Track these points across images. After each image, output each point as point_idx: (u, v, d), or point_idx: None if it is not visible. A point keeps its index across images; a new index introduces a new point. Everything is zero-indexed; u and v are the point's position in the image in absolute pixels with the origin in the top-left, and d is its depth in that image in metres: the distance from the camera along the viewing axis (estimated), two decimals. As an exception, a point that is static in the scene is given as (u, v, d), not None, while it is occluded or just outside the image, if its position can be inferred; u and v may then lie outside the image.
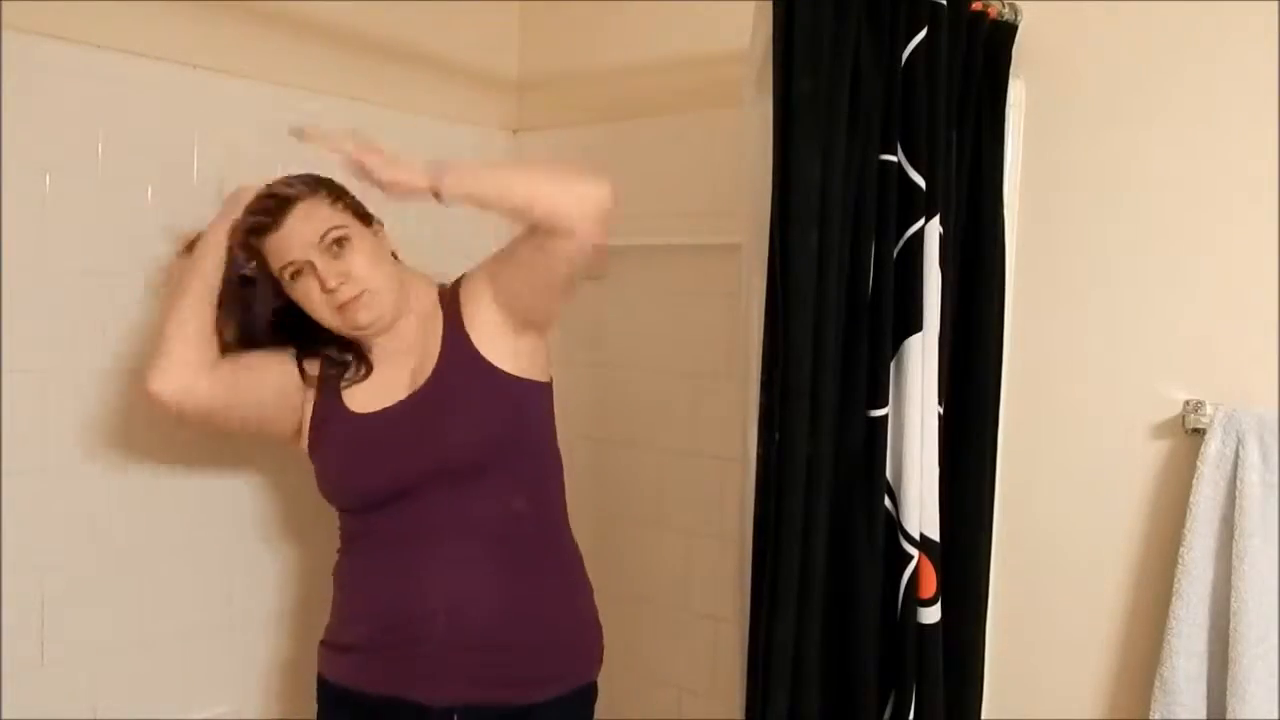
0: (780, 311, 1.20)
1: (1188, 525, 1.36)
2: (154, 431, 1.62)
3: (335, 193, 1.41)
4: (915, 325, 1.31)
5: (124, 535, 1.61)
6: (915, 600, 1.35)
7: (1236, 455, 1.34)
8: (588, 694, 1.46)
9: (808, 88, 1.18)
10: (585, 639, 1.47)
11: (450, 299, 1.46)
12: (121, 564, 1.61)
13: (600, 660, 1.49)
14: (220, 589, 1.73)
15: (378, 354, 1.44)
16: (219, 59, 1.68)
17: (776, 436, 1.21)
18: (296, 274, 1.36)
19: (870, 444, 1.31)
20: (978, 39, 1.42)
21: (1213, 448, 1.35)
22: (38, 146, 1.47)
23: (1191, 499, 1.36)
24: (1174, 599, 1.37)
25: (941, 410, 1.39)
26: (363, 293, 1.36)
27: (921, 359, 1.31)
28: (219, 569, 1.72)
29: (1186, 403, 1.40)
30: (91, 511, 1.57)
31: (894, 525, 1.34)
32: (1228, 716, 1.32)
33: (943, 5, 1.31)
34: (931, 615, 1.37)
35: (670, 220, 1.98)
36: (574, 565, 1.49)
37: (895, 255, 1.31)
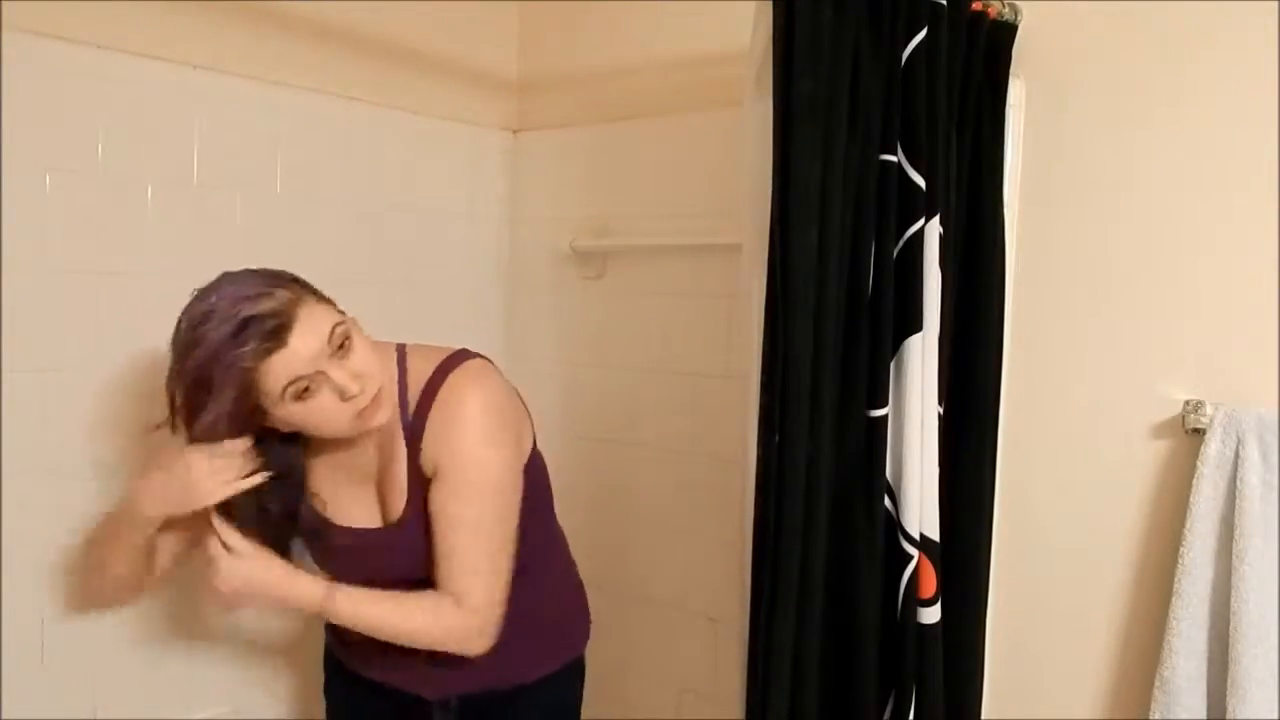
0: (780, 311, 1.20)
1: (1188, 525, 1.36)
2: (153, 431, 1.62)
3: (309, 287, 1.26)
4: (915, 325, 1.31)
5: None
6: (915, 600, 1.35)
7: (1236, 455, 1.34)
8: (576, 666, 1.49)
9: (808, 88, 1.18)
10: (574, 623, 1.51)
11: (414, 423, 1.30)
12: (121, 564, 1.61)
13: (587, 634, 1.52)
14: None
15: (328, 446, 1.34)
16: (219, 59, 1.68)
17: (776, 437, 1.21)
18: (305, 391, 1.19)
19: (870, 444, 1.31)
20: (978, 39, 1.42)
21: (1213, 448, 1.35)
22: (38, 146, 1.47)
23: (1191, 499, 1.36)
24: (1174, 599, 1.37)
25: (941, 410, 1.39)
26: (380, 391, 1.25)
27: (921, 359, 1.31)
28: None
29: (1186, 403, 1.40)
30: (91, 511, 1.57)
31: (894, 525, 1.34)
32: (1228, 716, 1.32)
33: (943, 5, 1.31)
34: (931, 615, 1.37)
35: (670, 220, 1.98)
36: (561, 562, 1.50)
37: (895, 255, 1.31)
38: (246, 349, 1.14)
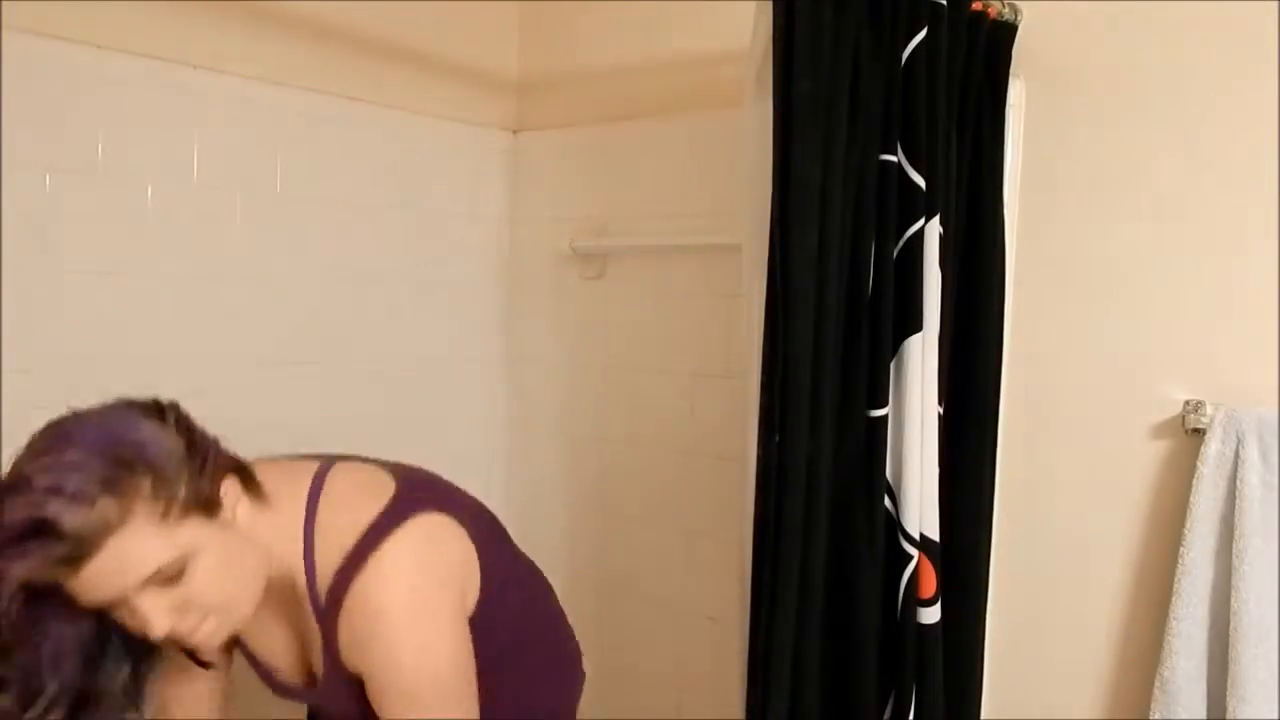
0: (780, 311, 1.20)
1: (1188, 525, 1.36)
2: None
3: (164, 485, 0.94)
4: (915, 325, 1.31)
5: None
6: (915, 600, 1.35)
7: (1236, 455, 1.34)
8: None
9: (808, 88, 1.18)
10: (555, 701, 1.36)
11: (325, 619, 1.08)
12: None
13: (571, 712, 1.40)
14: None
15: None
16: (219, 59, 1.68)
17: (776, 436, 1.21)
18: (115, 606, 0.96)
19: (870, 444, 1.31)
20: (978, 39, 1.42)
21: (1213, 448, 1.35)
22: (38, 146, 1.47)
23: (1191, 499, 1.36)
24: (1174, 599, 1.37)
25: (941, 410, 1.39)
26: (207, 621, 1.00)
27: (921, 359, 1.31)
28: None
29: (1186, 403, 1.40)
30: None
31: (894, 525, 1.34)
32: (1228, 716, 1.32)
33: (943, 5, 1.31)
34: (931, 615, 1.37)
35: (670, 220, 1.98)
36: (540, 647, 1.33)
37: (895, 255, 1.31)
38: (22, 564, 0.89)
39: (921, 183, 1.30)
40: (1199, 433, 1.38)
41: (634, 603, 2.03)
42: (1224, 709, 1.33)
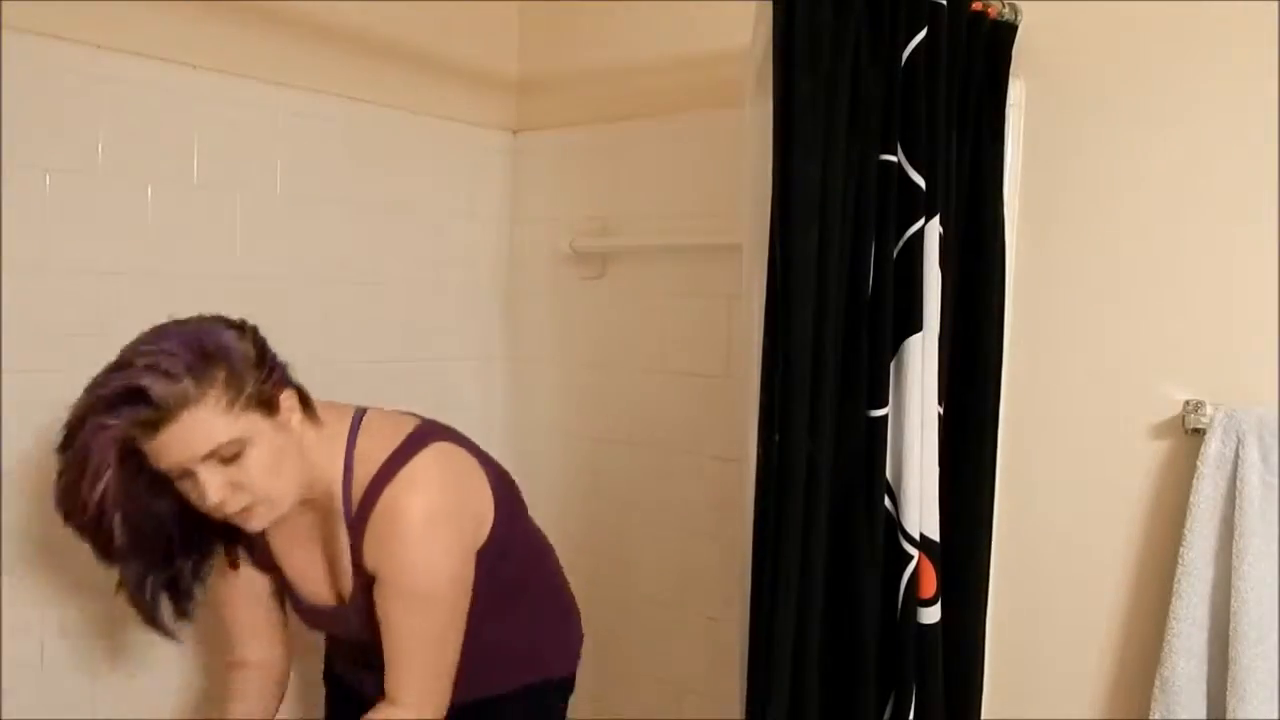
0: (780, 311, 1.20)
1: (1188, 525, 1.36)
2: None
3: (236, 380, 1.15)
4: (915, 325, 1.31)
5: (124, 535, 1.61)
6: (915, 600, 1.35)
7: (1236, 455, 1.34)
8: (551, 685, 1.48)
9: (808, 88, 1.18)
10: (551, 649, 1.50)
11: (355, 523, 1.26)
12: (121, 564, 1.61)
13: (571, 657, 1.52)
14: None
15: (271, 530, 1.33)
16: (219, 59, 1.68)
17: (776, 436, 1.21)
18: (181, 476, 1.16)
19: (870, 444, 1.31)
20: (978, 39, 1.42)
21: (1213, 448, 1.35)
22: (38, 146, 1.47)
23: (1191, 499, 1.36)
24: (1174, 599, 1.37)
25: (941, 410, 1.39)
26: (253, 504, 1.18)
27: (921, 359, 1.31)
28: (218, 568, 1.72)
29: (1186, 403, 1.40)
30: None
31: (894, 525, 1.34)
32: (1228, 716, 1.32)
33: (943, 5, 1.31)
34: (931, 615, 1.37)
35: (670, 220, 1.98)
36: (536, 598, 1.47)
37: (895, 255, 1.31)
38: (114, 421, 1.09)
39: (921, 183, 1.30)
40: (1199, 433, 1.38)
41: (634, 603, 2.03)
42: (1224, 709, 1.33)
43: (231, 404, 1.14)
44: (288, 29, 1.78)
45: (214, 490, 1.15)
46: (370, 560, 1.25)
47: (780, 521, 1.22)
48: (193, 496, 1.18)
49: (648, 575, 2.02)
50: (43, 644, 1.53)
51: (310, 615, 1.40)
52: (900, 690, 1.36)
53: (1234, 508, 1.33)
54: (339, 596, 1.34)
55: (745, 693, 1.28)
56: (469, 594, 1.28)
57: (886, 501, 1.34)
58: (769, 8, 1.20)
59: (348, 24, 1.87)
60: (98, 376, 1.14)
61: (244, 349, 1.18)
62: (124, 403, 1.09)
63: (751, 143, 1.26)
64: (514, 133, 2.23)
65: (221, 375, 1.13)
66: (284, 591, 1.42)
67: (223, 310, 1.68)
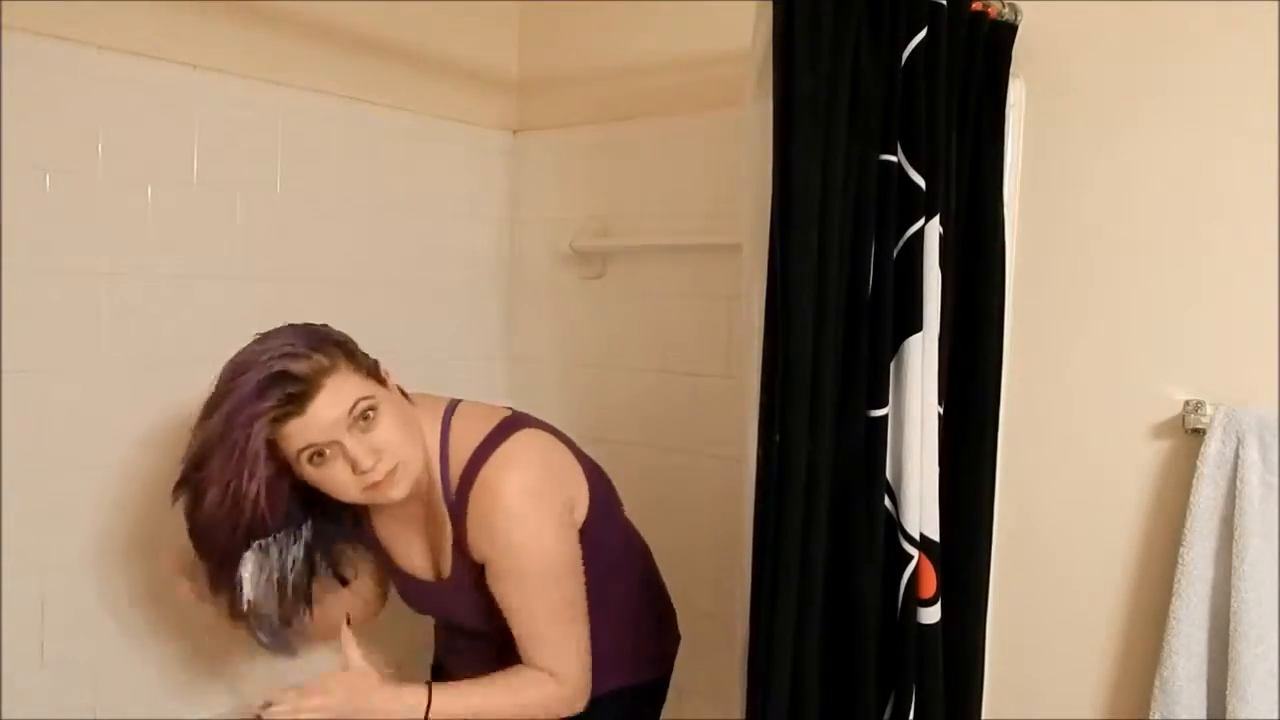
0: (780, 311, 1.20)
1: (1188, 525, 1.36)
2: (154, 431, 1.62)
3: (352, 354, 1.26)
4: (915, 325, 1.31)
5: (124, 535, 1.61)
6: (915, 600, 1.35)
7: (1236, 455, 1.34)
8: (638, 690, 1.50)
9: (808, 88, 1.18)
10: (637, 649, 1.50)
11: (455, 505, 1.32)
12: (121, 564, 1.61)
13: (659, 660, 1.55)
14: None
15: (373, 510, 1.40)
16: (219, 59, 1.68)
17: (776, 436, 1.21)
18: (317, 456, 1.21)
19: (870, 444, 1.31)
20: (978, 39, 1.42)
21: (1213, 448, 1.35)
22: (38, 146, 1.47)
23: (1191, 499, 1.36)
24: (1174, 599, 1.37)
25: (941, 410, 1.39)
26: (396, 467, 1.24)
27: (921, 359, 1.31)
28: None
29: (1186, 403, 1.40)
30: (91, 511, 1.57)
31: (894, 525, 1.34)
32: (1228, 716, 1.32)
33: (943, 5, 1.31)
34: (931, 615, 1.37)
35: (670, 220, 1.98)
36: (625, 591, 1.49)
37: (895, 255, 1.31)
38: (265, 405, 1.16)
39: (921, 183, 1.30)
40: (1199, 433, 1.38)
41: (634, 603, 2.03)
42: (1224, 709, 1.33)
43: (356, 369, 1.23)
44: (288, 29, 1.78)
45: (363, 455, 1.20)
46: (474, 544, 1.29)
47: (780, 521, 1.21)
48: (334, 481, 1.22)
49: (648, 575, 2.02)
50: (43, 644, 1.53)
51: (414, 594, 1.43)
52: (900, 690, 1.36)
53: (1234, 508, 1.33)
54: (438, 576, 1.38)
55: (745, 693, 1.28)
56: (579, 563, 1.32)
57: (886, 501, 1.34)
58: (769, 8, 1.19)
59: (348, 24, 1.87)
60: (220, 388, 1.20)
61: (344, 335, 1.28)
62: (269, 387, 1.16)
63: (751, 143, 1.25)
64: (514, 133, 2.22)
65: (340, 352, 1.23)
66: (392, 579, 1.46)
67: (223, 310, 1.70)
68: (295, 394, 1.16)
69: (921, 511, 1.34)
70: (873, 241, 1.29)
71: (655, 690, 1.53)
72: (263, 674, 1.79)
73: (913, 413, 1.31)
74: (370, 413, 1.22)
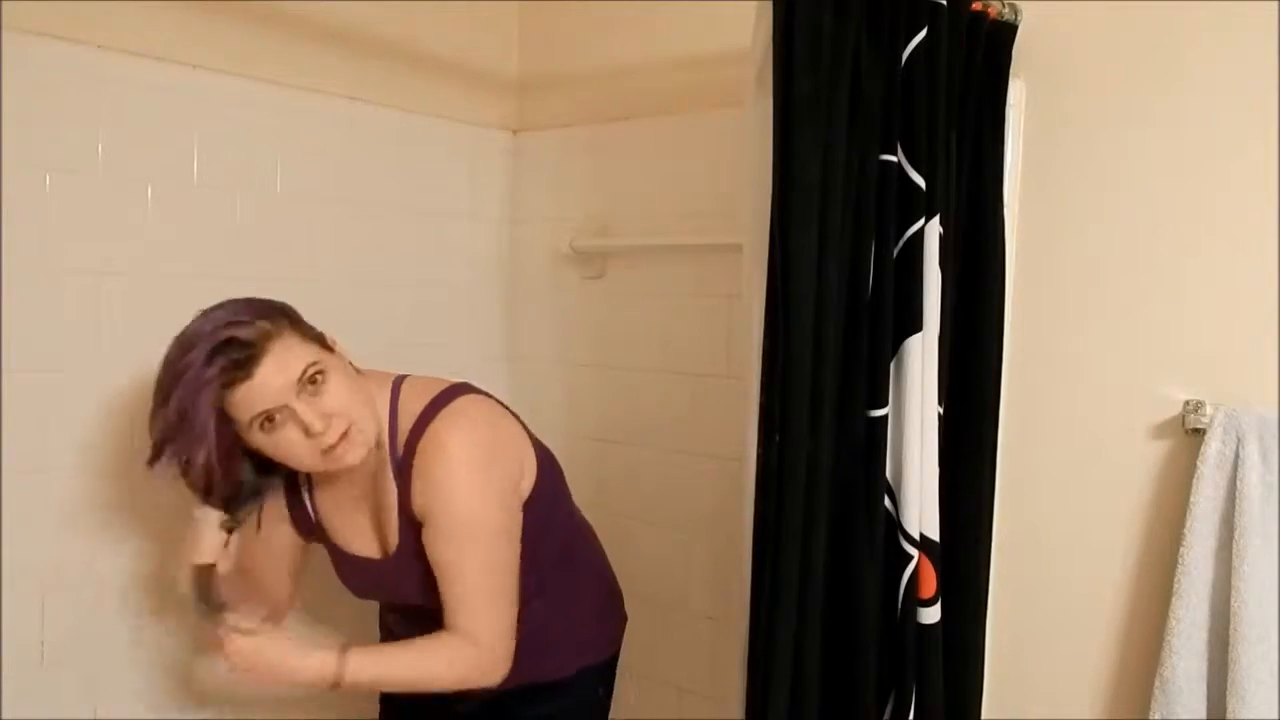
0: (780, 311, 1.20)
1: (1188, 525, 1.36)
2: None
3: (297, 322, 1.27)
4: (915, 325, 1.31)
5: (124, 535, 1.61)
6: (915, 600, 1.35)
7: (1236, 455, 1.34)
8: (594, 670, 1.51)
9: (808, 88, 1.18)
10: (592, 631, 1.52)
11: (401, 465, 1.31)
12: (121, 563, 1.61)
13: (612, 640, 1.55)
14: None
15: (329, 474, 1.36)
16: (219, 59, 1.68)
17: (776, 436, 1.21)
18: (268, 422, 1.21)
19: (870, 444, 1.31)
20: (978, 39, 1.42)
21: (1213, 448, 1.35)
22: (38, 146, 1.47)
23: (1191, 499, 1.36)
24: (1174, 599, 1.37)
25: (941, 410, 1.39)
26: (349, 429, 1.24)
27: (921, 359, 1.31)
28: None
29: (1186, 403, 1.40)
30: (91, 511, 1.57)
31: (894, 525, 1.34)
32: (1228, 716, 1.32)
33: (943, 5, 1.31)
34: (931, 615, 1.37)
35: (670, 220, 1.98)
36: (580, 573, 1.51)
37: (895, 255, 1.31)
38: (212, 372, 1.16)
39: (921, 183, 1.30)
40: (1199, 433, 1.38)
41: (634, 603, 2.02)
42: (1224, 709, 1.33)
43: (303, 337, 1.24)
44: (288, 29, 1.78)
45: (314, 419, 1.20)
46: (416, 498, 1.29)
47: (780, 521, 1.22)
48: (288, 447, 1.23)
49: (648, 575, 2.02)
50: (43, 644, 1.53)
51: (351, 570, 1.42)
52: (900, 690, 1.36)
53: (1234, 508, 1.33)
54: (384, 552, 1.37)
55: (745, 693, 1.28)
56: (518, 530, 1.31)
57: (886, 501, 1.34)
58: (769, 8, 1.20)
59: (348, 24, 1.87)
60: (170, 354, 1.21)
61: (287, 305, 1.28)
62: (216, 354, 1.16)
63: (751, 143, 1.25)
64: (514, 133, 2.22)
65: (285, 320, 1.24)
66: (333, 558, 1.44)
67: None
68: (241, 359, 1.17)
69: (921, 511, 1.34)
70: (873, 241, 1.29)
71: (611, 667, 1.56)
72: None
73: (913, 413, 1.32)
74: (319, 376, 1.22)
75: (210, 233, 1.68)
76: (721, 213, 1.85)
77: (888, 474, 1.33)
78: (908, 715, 1.36)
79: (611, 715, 1.94)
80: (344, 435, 1.23)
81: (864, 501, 1.31)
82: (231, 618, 1.27)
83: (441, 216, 2.09)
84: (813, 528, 1.24)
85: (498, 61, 2.18)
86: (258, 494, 1.35)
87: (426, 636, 1.29)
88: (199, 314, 1.23)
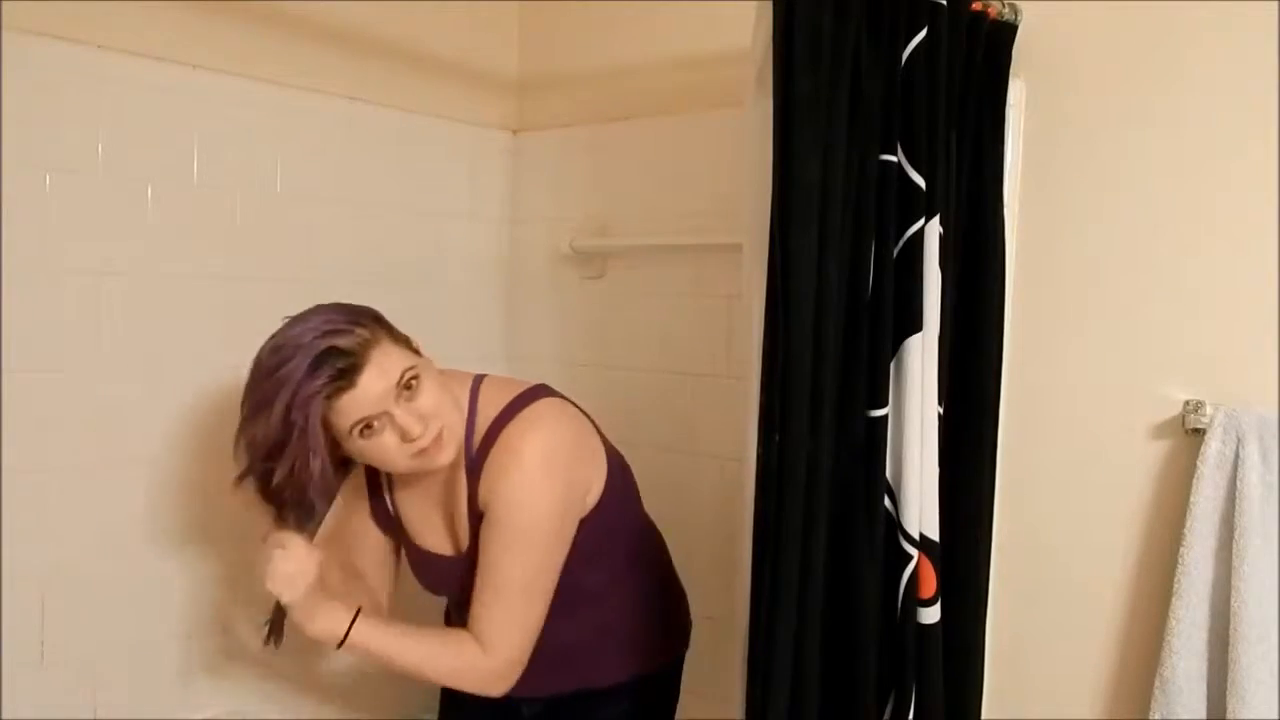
0: (780, 311, 1.20)
1: (1188, 525, 1.36)
2: (154, 431, 1.62)
3: (388, 327, 1.28)
4: (915, 325, 1.31)
5: (124, 534, 1.61)
6: (915, 600, 1.35)
7: (1236, 455, 1.34)
8: (652, 679, 1.51)
9: (808, 88, 1.18)
10: (652, 637, 1.50)
11: (475, 461, 1.33)
12: (122, 564, 1.61)
13: (671, 649, 1.55)
14: (220, 587, 1.73)
15: (397, 477, 1.41)
16: (219, 59, 1.68)
17: (776, 436, 1.21)
18: (367, 429, 1.22)
19: (870, 444, 1.31)
20: (978, 39, 1.41)
21: (1213, 448, 1.35)
22: (38, 146, 1.47)
23: (1191, 499, 1.36)
24: (1174, 599, 1.37)
25: (941, 410, 1.39)
26: (441, 431, 1.26)
27: (921, 359, 1.31)
28: (219, 567, 1.72)
29: (1186, 403, 1.40)
30: (92, 511, 1.57)
31: (894, 525, 1.34)
32: (1228, 716, 1.32)
33: (943, 5, 1.31)
34: (931, 615, 1.37)
35: (670, 220, 1.98)
36: (643, 578, 1.50)
37: (895, 255, 1.31)
38: (319, 383, 1.17)
39: (921, 183, 1.30)
40: (1199, 433, 1.38)
41: (634, 603, 2.03)
42: (1224, 709, 1.33)
43: (396, 342, 1.26)
44: (288, 29, 1.78)
45: (412, 423, 1.22)
46: (483, 496, 1.30)
47: (780, 521, 1.21)
48: (383, 451, 1.24)
49: (648, 575, 2.02)
50: (43, 644, 1.53)
51: (423, 567, 1.43)
52: (900, 690, 1.36)
53: (1234, 508, 1.33)
54: (456, 550, 1.38)
55: (745, 693, 1.28)
56: (565, 548, 1.31)
57: (886, 501, 1.34)
58: (769, 8, 1.19)
59: (348, 24, 1.87)
60: (265, 363, 1.20)
61: (376, 310, 1.29)
62: (320, 365, 1.17)
63: (751, 143, 1.25)
64: (514, 133, 2.22)
65: (379, 325, 1.25)
66: (407, 554, 1.45)
67: (223, 310, 1.70)
68: (345, 368, 1.17)
69: (921, 511, 1.34)
70: (873, 241, 1.29)
71: (668, 679, 1.54)
72: (261, 675, 1.79)
73: (913, 413, 1.31)
74: (414, 381, 1.23)
75: (210, 233, 1.68)
76: (721, 213, 1.84)
77: (888, 474, 1.33)
78: (908, 715, 1.36)
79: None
80: (437, 438, 1.25)
81: (864, 501, 1.31)
82: (284, 535, 1.28)
83: (441, 216, 2.09)
84: (813, 528, 1.24)
85: (498, 61, 2.18)
86: (330, 504, 1.35)
87: (444, 630, 1.31)
88: (288, 320, 1.24)
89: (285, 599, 1.26)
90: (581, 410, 1.43)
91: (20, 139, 1.45)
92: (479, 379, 1.39)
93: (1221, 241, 1.39)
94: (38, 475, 1.51)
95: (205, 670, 1.72)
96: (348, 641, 1.27)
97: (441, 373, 1.34)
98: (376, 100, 1.93)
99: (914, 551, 1.34)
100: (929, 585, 1.36)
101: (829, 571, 1.29)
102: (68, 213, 1.51)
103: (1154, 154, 1.44)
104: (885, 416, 1.31)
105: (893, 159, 1.29)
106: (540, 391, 1.36)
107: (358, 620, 1.28)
